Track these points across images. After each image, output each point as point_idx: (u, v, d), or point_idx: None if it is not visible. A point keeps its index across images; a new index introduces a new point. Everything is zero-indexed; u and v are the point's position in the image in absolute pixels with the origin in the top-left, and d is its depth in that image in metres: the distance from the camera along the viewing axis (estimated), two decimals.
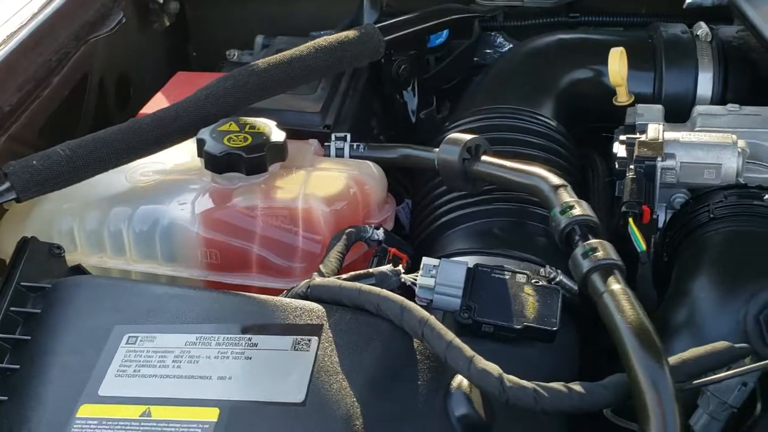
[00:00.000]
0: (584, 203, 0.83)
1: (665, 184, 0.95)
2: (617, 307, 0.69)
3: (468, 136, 0.98)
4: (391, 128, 1.36)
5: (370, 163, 1.06)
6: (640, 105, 1.09)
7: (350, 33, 1.19)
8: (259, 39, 1.54)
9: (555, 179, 0.88)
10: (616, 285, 0.72)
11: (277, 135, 1.00)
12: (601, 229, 0.81)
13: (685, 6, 1.34)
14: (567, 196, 0.84)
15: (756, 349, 0.77)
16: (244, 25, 1.64)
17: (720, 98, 1.22)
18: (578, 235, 0.80)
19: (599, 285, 0.73)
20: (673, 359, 0.70)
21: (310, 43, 1.14)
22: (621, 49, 1.14)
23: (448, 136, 0.98)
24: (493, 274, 0.87)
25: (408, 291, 0.86)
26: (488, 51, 1.53)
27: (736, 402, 0.76)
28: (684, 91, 1.21)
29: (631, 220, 0.89)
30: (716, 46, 1.23)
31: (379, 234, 0.96)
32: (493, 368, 0.67)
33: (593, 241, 0.77)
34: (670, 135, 0.95)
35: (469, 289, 0.84)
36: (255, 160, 0.96)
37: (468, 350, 0.69)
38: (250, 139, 0.98)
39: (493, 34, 1.54)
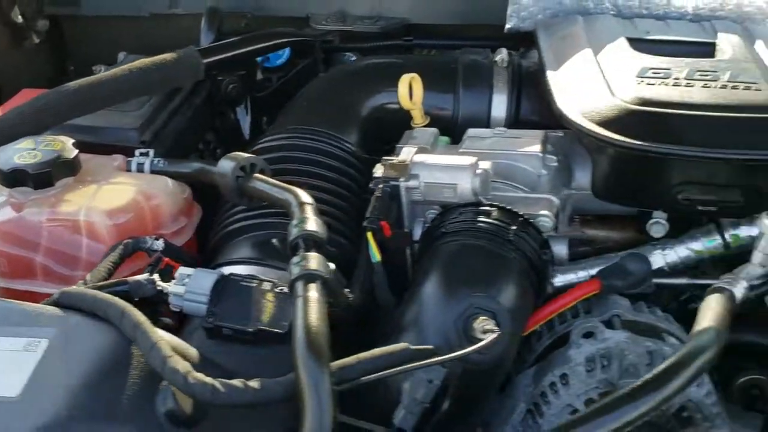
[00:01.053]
0: (318, 222, 0.92)
1: (416, 202, 1.04)
2: (302, 311, 0.78)
3: (244, 155, 1.07)
4: (227, 144, 1.45)
5: (165, 178, 1.14)
6: (417, 128, 1.19)
7: (168, 56, 1.27)
8: (121, 56, 1.61)
9: (304, 197, 0.97)
10: (311, 293, 0.81)
11: (69, 152, 1.09)
12: (325, 246, 0.90)
13: (505, 31, 1.45)
14: (306, 212, 0.93)
15: (453, 349, 0.86)
16: (116, 42, 1.72)
17: (513, 120, 1.32)
18: (302, 247, 0.89)
19: (299, 290, 0.82)
20: (351, 359, 0.79)
21: (127, 66, 1.23)
22: (412, 75, 1.23)
23: (227, 155, 1.07)
24: (242, 283, 0.96)
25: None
26: None
27: (424, 398, 0.85)
28: (479, 113, 1.31)
29: (369, 234, 0.98)
30: (512, 71, 1.33)
31: (159, 244, 1.05)
32: (183, 366, 0.75)
33: (309, 254, 0.86)
34: (418, 157, 1.04)
35: (216, 296, 0.93)
36: (41, 175, 1.04)
37: (166, 350, 0.77)
38: (39, 156, 1.06)
39: (346, 54, 1.64)
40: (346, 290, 0.95)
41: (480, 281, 0.92)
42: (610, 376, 0.96)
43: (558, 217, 1.09)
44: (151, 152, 1.19)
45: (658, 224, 1.14)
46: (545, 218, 1.02)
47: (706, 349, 0.78)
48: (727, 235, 1.15)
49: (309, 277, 0.83)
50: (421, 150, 1.08)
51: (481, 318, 0.88)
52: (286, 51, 1.54)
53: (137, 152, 1.19)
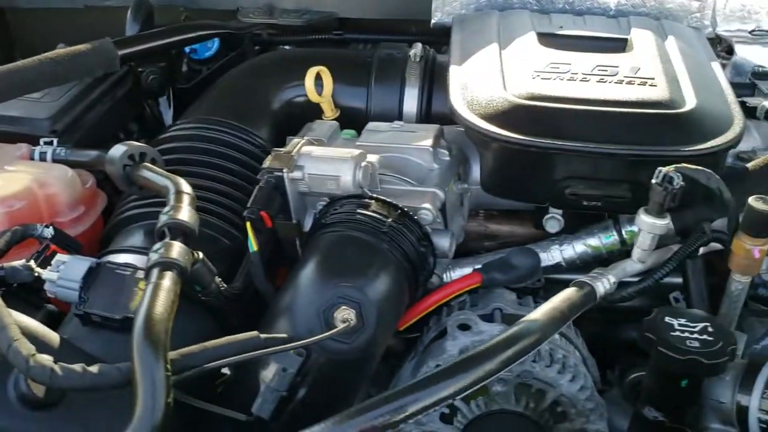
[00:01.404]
0: (190, 212, 0.92)
1: (303, 193, 1.05)
2: (149, 298, 0.79)
3: (135, 144, 1.07)
4: (150, 135, 1.46)
5: (65, 167, 1.15)
6: (317, 121, 1.20)
7: (83, 46, 1.28)
8: (60, 47, 1.63)
9: (183, 186, 0.97)
10: (163, 281, 0.82)
11: None
12: (194, 236, 0.91)
13: (431, 26, 1.45)
14: (180, 202, 0.94)
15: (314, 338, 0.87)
16: (60, 33, 1.73)
17: (425, 114, 1.32)
18: (168, 235, 0.90)
19: (152, 277, 0.82)
20: (196, 347, 0.80)
21: (40, 56, 1.24)
22: (320, 67, 1.24)
23: (116, 144, 1.08)
24: (116, 271, 0.97)
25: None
26: None
27: (279, 386, 0.86)
28: (391, 107, 1.31)
29: (248, 223, 0.99)
30: (424, 65, 1.33)
31: (49, 232, 1.06)
32: (27, 349, 0.76)
33: (171, 242, 0.87)
34: (304, 149, 1.05)
35: (88, 283, 0.94)
36: None
37: (14, 333, 0.78)
38: None
39: (287, 47, 1.64)
40: (218, 279, 0.96)
41: (349, 272, 0.93)
42: None
43: (448, 212, 1.10)
44: (55, 141, 1.20)
45: (553, 219, 1.15)
46: (426, 211, 1.02)
47: (522, 338, 0.78)
48: (623, 232, 1.15)
49: (165, 265, 0.84)
50: (312, 142, 1.08)
51: (343, 308, 0.88)
52: (215, 43, 1.55)
53: (41, 141, 1.21)
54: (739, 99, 1.21)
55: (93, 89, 1.37)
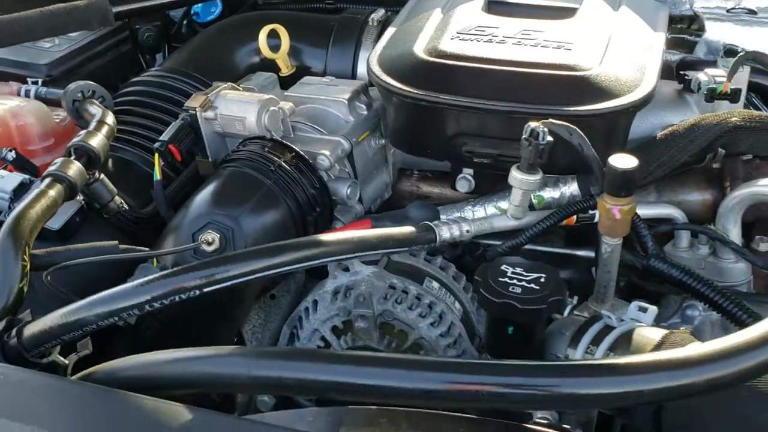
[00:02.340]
0: (101, 140, 1.05)
1: (219, 133, 1.14)
2: (27, 200, 0.90)
3: (86, 83, 1.21)
4: None
5: (39, 103, 1.30)
6: (258, 72, 1.28)
7: (79, 2, 1.44)
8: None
9: (108, 118, 1.10)
10: (49, 190, 0.94)
11: None
12: (98, 159, 1.03)
13: None
14: (98, 130, 1.06)
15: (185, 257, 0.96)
16: None
17: None
18: (73, 154, 1.01)
19: (42, 185, 0.94)
20: (60, 248, 0.91)
21: (41, 8, 1.41)
22: (275, 25, 1.32)
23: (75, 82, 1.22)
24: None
25: None
26: None
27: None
28: (345, 68, 1.37)
29: (156, 155, 1.09)
30: (381, 29, 1.38)
31: (11, 155, 1.21)
32: None
33: (70, 160, 0.99)
34: (225, 92, 1.13)
35: (17, 195, 1.08)
36: None
37: None
38: None
39: None
40: (118, 200, 1.07)
41: (228, 201, 1.01)
42: (348, 304, 1.01)
43: (361, 163, 1.15)
44: (40, 81, 1.36)
45: (463, 180, 1.17)
46: (323, 157, 1.08)
47: (324, 246, 0.81)
48: (532, 197, 1.15)
49: (55, 177, 0.96)
50: (236, 87, 1.17)
51: (209, 231, 0.96)
52: (218, 7, 1.67)
53: (29, 81, 1.37)
54: (684, 73, 1.18)
55: (96, 44, 1.53)
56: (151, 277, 0.75)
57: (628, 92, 1.02)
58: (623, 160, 0.89)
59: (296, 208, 1.05)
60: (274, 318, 1.18)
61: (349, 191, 1.10)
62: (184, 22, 1.64)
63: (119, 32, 1.57)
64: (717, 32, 1.32)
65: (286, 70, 1.36)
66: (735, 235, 1.06)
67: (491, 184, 1.18)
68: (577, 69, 1.04)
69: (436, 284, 1.05)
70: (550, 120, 0.93)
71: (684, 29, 1.38)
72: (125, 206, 1.08)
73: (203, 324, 1.00)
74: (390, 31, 1.21)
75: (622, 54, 1.09)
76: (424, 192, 1.29)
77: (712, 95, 1.07)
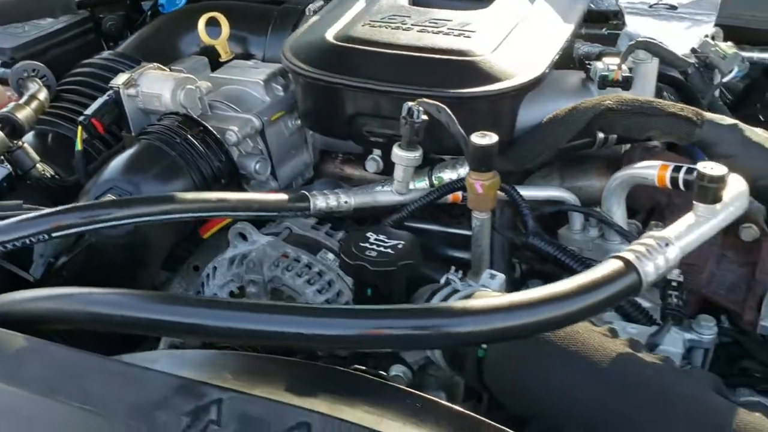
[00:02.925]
0: (28, 113, 1.15)
1: (143, 109, 1.21)
2: None
3: (31, 62, 1.30)
4: None
5: None
6: (192, 56, 1.36)
7: None
8: None
9: (40, 94, 1.20)
10: None
11: None
12: (22, 131, 1.12)
13: None
14: (28, 103, 1.16)
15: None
16: None
17: None
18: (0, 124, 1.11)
19: None
20: None
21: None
22: (214, 13, 1.39)
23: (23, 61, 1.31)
24: None
25: None
26: None
27: (44, 251, 1.03)
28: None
29: (80, 127, 1.17)
30: None
31: None
32: None
33: None
34: (148, 72, 1.20)
35: None
36: None
37: None
38: None
39: None
40: (40, 167, 1.15)
41: (132, 169, 1.09)
42: (241, 271, 1.08)
43: (276, 142, 1.21)
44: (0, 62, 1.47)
45: (372, 161, 1.22)
46: (231, 133, 1.15)
47: (177, 202, 0.88)
48: (433, 177, 1.20)
49: None
50: (162, 68, 1.24)
51: (109, 195, 1.04)
52: (183, 1, 1.76)
53: None
54: (588, 63, 1.22)
55: (63, 32, 1.62)
56: (32, 215, 0.83)
57: (514, 78, 1.07)
58: (483, 137, 0.94)
59: (200, 180, 1.12)
60: (193, 288, 1.25)
61: (257, 167, 1.17)
62: (149, 13, 1.73)
63: (86, 22, 1.67)
64: (638, 26, 1.36)
65: (225, 56, 1.43)
66: (619, 216, 1.09)
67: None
68: (468, 54, 1.09)
69: (331, 256, 1.11)
70: (423, 99, 0.98)
71: (609, 24, 1.42)
72: (48, 174, 1.16)
73: (110, 275, 1.07)
74: (313, 19, 1.28)
75: (520, 43, 1.13)
76: (347, 174, 1.34)
77: (604, 82, 1.11)
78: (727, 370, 1.14)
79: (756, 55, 1.26)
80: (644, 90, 1.18)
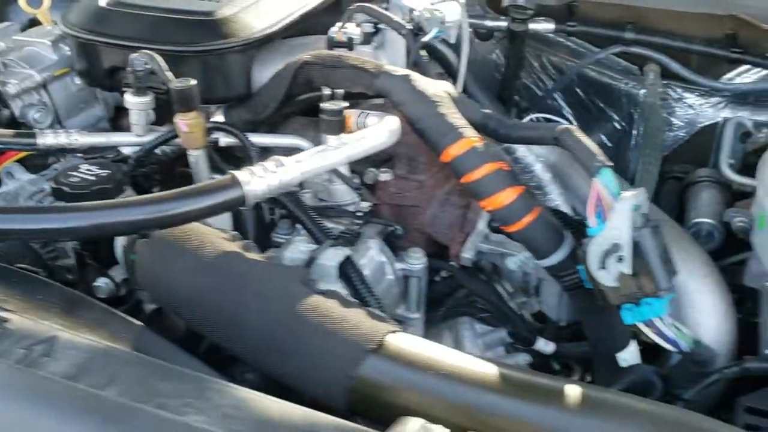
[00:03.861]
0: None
1: None
2: None
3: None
4: None
5: None
6: (7, 23, 1.51)
7: None
8: None
9: None
10: None
11: None
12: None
13: None
14: None
15: None
16: None
17: None
18: None
19: None
20: None
21: None
22: None
23: None
24: None
25: None
26: None
27: None
28: None
29: None
30: None
31: None
32: None
33: None
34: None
35: None
36: None
37: None
38: None
39: None
40: None
41: None
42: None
43: (59, 97, 1.36)
44: None
45: None
46: (10, 85, 1.30)
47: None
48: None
49: None
50: None
51: None
52: None
53: None
54: None
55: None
56: None
57: (244, 36, 1.22)
58: (183, 81, 1.09)
59: None
60: None
61: (37, 116, 1.32)
62: None
63: None
64: None
65: (47, 24, 1.58)
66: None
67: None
68: (208, 15, 1.24)
69: None
70: (142, 51, 1.13)
71: None
72: None
73: None
74: None
75: (266, 8, 1.28)
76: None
77: (331, 43, 1.25)
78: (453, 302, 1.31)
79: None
80: (395, 51, 1.33)
